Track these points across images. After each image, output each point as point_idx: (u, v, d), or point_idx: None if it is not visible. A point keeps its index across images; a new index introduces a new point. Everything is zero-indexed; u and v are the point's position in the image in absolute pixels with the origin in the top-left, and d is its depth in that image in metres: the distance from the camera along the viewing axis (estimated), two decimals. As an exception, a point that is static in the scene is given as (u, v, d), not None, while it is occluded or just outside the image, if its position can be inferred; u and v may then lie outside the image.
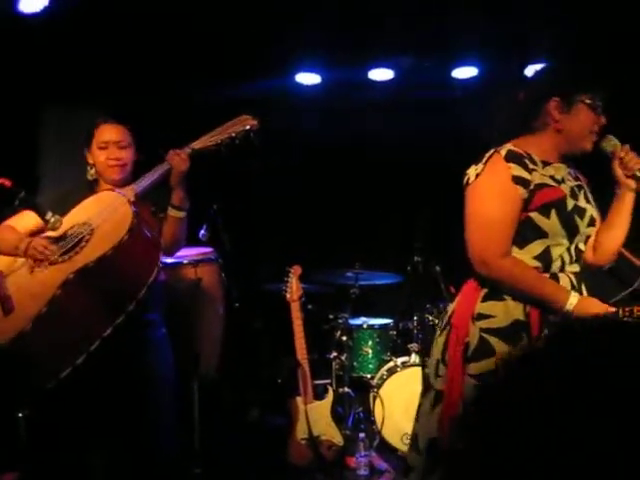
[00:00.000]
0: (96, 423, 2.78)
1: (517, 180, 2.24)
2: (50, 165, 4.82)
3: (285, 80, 5.17)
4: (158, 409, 2.89)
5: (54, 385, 2.50)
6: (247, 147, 2.90)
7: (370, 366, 4.56)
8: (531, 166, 2.28)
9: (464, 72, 5.20)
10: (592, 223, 2.37)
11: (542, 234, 2.25)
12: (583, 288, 2.38)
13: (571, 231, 2.29)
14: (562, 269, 2.30)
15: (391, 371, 4.37)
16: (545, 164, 2.33)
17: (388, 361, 4.46)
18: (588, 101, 2.31)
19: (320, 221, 5.28)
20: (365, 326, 4.64)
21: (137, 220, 2.61)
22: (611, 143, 2.40)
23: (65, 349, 2.52)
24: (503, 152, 2.29)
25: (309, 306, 4.36)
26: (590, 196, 2.45)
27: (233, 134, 2.88)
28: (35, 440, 2.82)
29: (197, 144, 2.89)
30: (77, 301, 2.53)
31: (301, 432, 4.02)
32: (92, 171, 2.93)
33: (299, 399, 4.08)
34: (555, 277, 2.29)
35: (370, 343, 4.60)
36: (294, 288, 4.21)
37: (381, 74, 5.25)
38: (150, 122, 3.94)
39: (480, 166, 2.32)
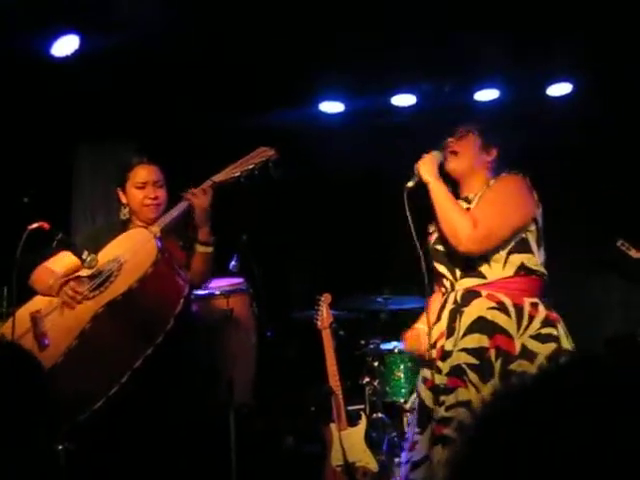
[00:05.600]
0: (134, 453, 2.83)
1: None
2: (82, 201, 4.94)
3: (309, 109, 5.25)
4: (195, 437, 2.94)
5: (88, 416, 2.56)
6: (266, 177, 2.98)
7: (403, 390, 4.55)
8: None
9: (486, 94, 5.23)
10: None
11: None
12: (478, 300, 2.60)
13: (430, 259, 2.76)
14: (452, 289, 2.72)
15: (424, 395, 4.36)
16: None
17: (421, 385, 4.46)
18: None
19: (348, 247, 5.31)
20: (396, 351, 4.63)
21: (161, 254, 2.69)
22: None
23: (97, 381, 2.59)
24: None
25: (340, 332, 4.38)
26: None
27: (252, 165, 2.96)
28: (75, 473, 2.88)
29: (218, 177, 2.97)
30: (106, 333, 2.60)
31: (336, 459, 4.03)
32: (125, 211, 3.01)
33: (333, 426, 4.10)
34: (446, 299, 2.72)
35: (402, 367, 4.59)
36: (325, 316, 4.24)
37: (404, 100, 5.30)
38: (179, 155, 4.04)
39: None
